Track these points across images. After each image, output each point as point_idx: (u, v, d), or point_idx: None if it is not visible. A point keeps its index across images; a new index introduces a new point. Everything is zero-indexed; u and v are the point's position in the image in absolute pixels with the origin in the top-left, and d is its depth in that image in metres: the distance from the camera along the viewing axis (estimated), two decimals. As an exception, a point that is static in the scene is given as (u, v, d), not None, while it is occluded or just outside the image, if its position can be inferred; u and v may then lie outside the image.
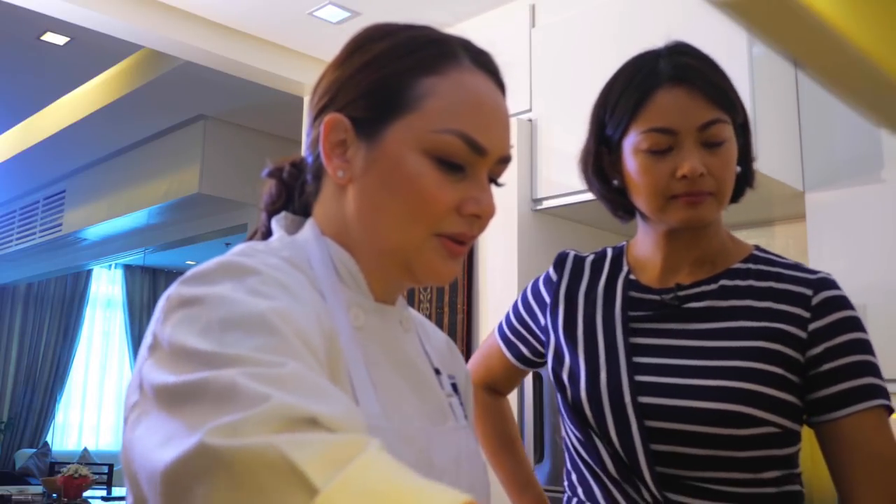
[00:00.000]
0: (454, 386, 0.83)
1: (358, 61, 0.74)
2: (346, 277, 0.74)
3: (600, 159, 1.10)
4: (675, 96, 1.02)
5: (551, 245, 2.81)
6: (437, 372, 0.80)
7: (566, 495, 1.15)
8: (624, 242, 1.18)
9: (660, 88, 1.03)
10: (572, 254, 1.20)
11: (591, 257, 1.18)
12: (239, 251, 0.69)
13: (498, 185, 0.76)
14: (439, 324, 2.79)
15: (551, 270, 1.20)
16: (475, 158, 0.72)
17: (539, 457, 2.42)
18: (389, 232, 0.72)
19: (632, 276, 1.11)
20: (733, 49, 2.35)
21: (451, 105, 0.71)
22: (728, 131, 1.03)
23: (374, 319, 0.74)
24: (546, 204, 2.75)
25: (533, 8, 3.00)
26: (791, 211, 2.63)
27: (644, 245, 1.12)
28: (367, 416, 0.64)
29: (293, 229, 0.77)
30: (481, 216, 0.73)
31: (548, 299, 1.19)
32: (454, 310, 2.76)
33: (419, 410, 0.72)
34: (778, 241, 2.79)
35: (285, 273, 0.66)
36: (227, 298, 0.58)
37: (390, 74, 0.72)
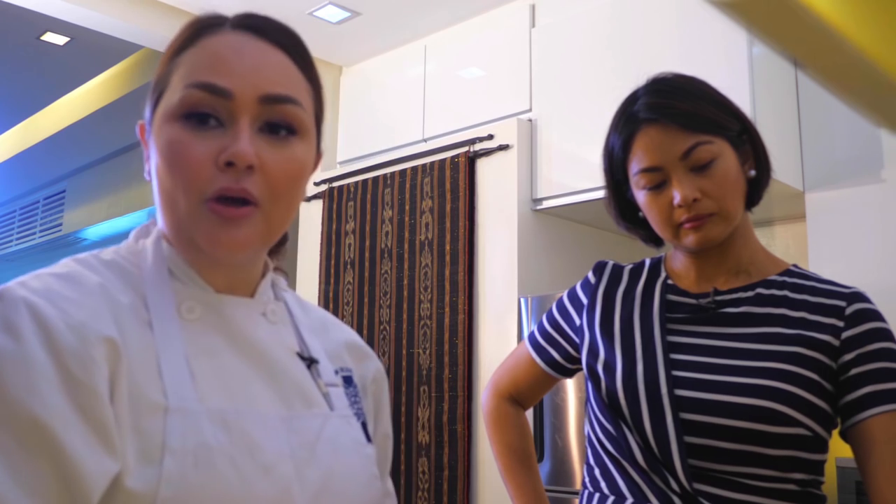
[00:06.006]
0: (348, 379, 0.83)
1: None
2: (180, 274, 0.74)
3: (619, 199, 1.18)
4: (651, 136, 1.09)
5: (551, 245, 2.81)
6: (314, 361, 0.80)
7: (587, 491, 1.17)
8: (662, 254, 1.23)
9: (638, 131, 1.10)
10: (611, 262, 1.25)
11: (629, 266, 1.23)
12: (61, 264, 0.70)
13: (287, 130, 0.73)
14: (440, 324, 2.79)
15: (590, 275, 1.25)
16: (222, 103, 0.70)
17: (539, 457, 2.42)
18: (166, 211, 0.72)
19: (670, 281, 1.17)
20: (733, 49, 2.35)
21: (189, 67, 0.72)
22: (713, 150, 1.07)
23: (215, 311, 0.74)
24: (546, 204, 2.75)
25: (533, 8, 3.00)
26: (791, 211, 2.63)
27: (678, 259, 1.18)
28: (178, 399, 0.65)
29: (149, 232, 0.79)
30: (234, 163, 0.69)
31: (585, 300, 1.23)
32: (455, 310, 2.75)
33: (268, 395, 0.72)
34: (778, 241, 2.79)
35: (71, 283, 0.66)
36: None
37: (159, 70, 0.75)
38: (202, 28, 0.75)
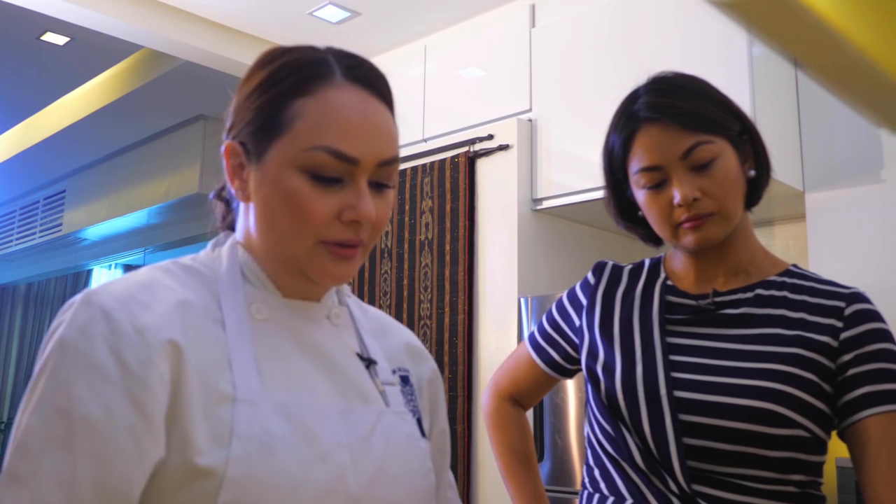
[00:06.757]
0: (405, 378, 0.91)
1: (247, 88, 0.84)
2: (252, 279, 0.83)
3: (619, 198, 1.18)
4: (651, 135, 1.09)
5: (551, 245, 2.81)
6: (372, 361, 0.88)
7: (586, 491, 1.17)
8: (662, 254, 1.23)
9: (639, 130, 1.10)
10: (611, 262, 1.25)
11: (628, 266, 1.23)
12: (143, 271, 0.79)
13: (388, 186, 0.82)
14: (440, 324, 2.79)
15: (589, 275, 1.25)
16: (348, 168, 0.79)
17: (539, 457, 2.42)
18: (279, 244, 0.81)
19: (669, 282, 1.17)
20: (733, 49, 2.35)
21: (316, 123, 0.78)
22: (714, 149, 1.07)
23: (283, 313, 0.83)
24: (546, 204, 2.75)
25: (533, 8, 3.00)
26: (791, 211, 2.63)
27: (677, 259, 1.18)
28: (245, 391, 0.74)
29: (224, 241, 0.88)
30: (359, 222, 0.79)
31: (584, 301, 1.23)
32: (455, 310, 2.75)
33: (328, 391, 0.80)
34: (778, 241, 2.79)
35: (146, 290, 0.75)
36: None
37: (266, 102, 0.81)
38: (314, 76, 0.80)
